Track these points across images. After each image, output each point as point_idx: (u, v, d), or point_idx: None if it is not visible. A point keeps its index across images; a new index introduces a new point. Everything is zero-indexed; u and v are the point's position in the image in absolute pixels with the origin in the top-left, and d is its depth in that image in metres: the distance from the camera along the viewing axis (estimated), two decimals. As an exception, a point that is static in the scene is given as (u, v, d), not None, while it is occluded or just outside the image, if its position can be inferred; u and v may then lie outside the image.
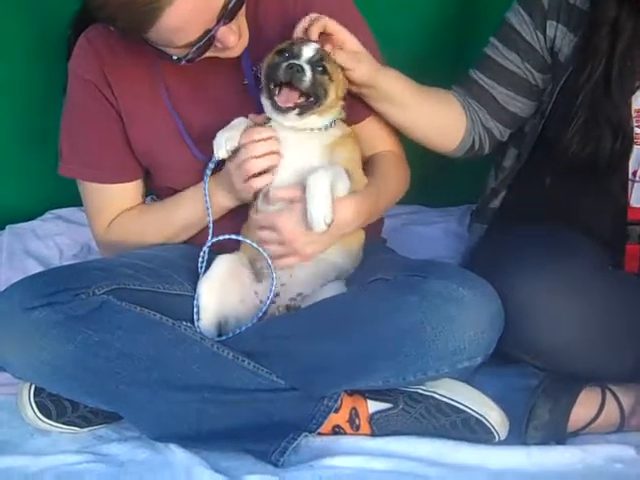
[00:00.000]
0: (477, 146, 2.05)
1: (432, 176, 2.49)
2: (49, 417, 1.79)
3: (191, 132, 1.91)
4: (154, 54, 1.79)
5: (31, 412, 1.78)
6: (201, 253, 1.87)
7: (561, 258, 1.79)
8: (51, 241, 2.47)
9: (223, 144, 1.79)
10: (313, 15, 1.80)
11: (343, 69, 1.81)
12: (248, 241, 1.86)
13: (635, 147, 1.89)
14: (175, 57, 1.76)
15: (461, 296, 1.68)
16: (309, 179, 1.75)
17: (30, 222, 2.53)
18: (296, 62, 1.73)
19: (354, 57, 1.81)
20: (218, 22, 1.71)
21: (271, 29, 1.89)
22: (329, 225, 1.75)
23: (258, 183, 1.81)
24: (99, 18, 1.75)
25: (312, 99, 1.77)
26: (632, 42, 1.84)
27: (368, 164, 1.95)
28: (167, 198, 1.99)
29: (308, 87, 1.74)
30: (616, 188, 1.91)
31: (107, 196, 1.99)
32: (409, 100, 1.94)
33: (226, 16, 1.71)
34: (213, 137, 1.83)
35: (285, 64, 1.73)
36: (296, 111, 1.77)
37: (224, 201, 1.89)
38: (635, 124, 1.88)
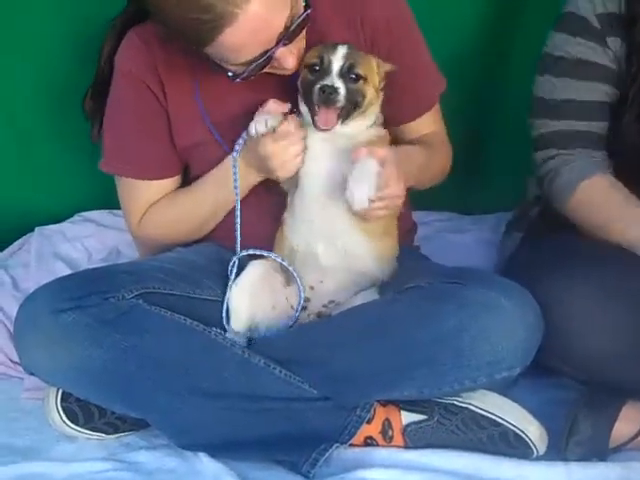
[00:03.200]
0: None
1: (466, 183, 2.46)
2: (76, 423, 1.76)
3: (222, 131, 1.89)
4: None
5: (58, 417, 1.75)
6: (231, 263, 1.85)
7: (601, 267, 1.74)
8: (80, 244, 2.45)
9: (263, 121, 1.74)
10: None
11: None
12: (273, 256, 1.84)
13: None
14: (230, 74, 1.76)
15: (500, 304, 1.64)
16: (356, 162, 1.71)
17: (59, 224, 2.51)
18: (327, 84, 1.70)
19: None
20: (277, 43, 1.70)
21: (332, 34, 1.86)
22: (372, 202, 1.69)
23: (297, 163, 1.79)
24: (161, 33, 1.76)
25: (351, 106, 1.75)
26: None
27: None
28: (192, 185, 1.96)
29: (344, 104, 1.72)
30: None
31: (143, 191, 1.96)
32: None
33: (286, 38, 1.71)
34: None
35: (317, 87, 1.71)
36: (338, 125, 1.75)
37: (250, 178, 1.86)
38: None
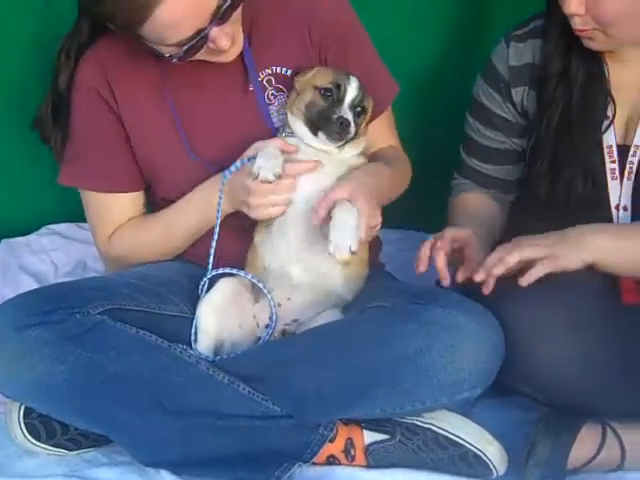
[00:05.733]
0: None
1: (428, 200, 2.47)
2: (38, 439, 1.75)
3: (191, 138, 1.90)
4: (158, 62, 1.81)
5: (20, 433, 1.74)
6: (202, 283, 1.85)
7: (562, 289, 1.75)
8: (46, 256, 2.44)
9: (271, 169, 1.76)
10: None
11: None
12: (249, 277, 1.85)
13: (612, 182, 1.90)
14: (167, 55, 1.76)
15: (461, 324, 1.66)
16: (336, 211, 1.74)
17: (26, 237, 2.50)
18: (344, 116, 1.77)
19: None
20: (211, 22, 1.71)
21: (277, 35, 1.90)
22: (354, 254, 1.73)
23: (276, 212, 1.81)
24: (97, 15, 1.76)
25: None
26: (588, 86, 1.87)
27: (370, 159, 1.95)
28: (167, 208, 1.96)
29: (352, 136, 1.80)
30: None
31: (108, 206, 1.97)
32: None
33: (219, 17, 1.72)
34: (212, 142, 1.86)
35: (336, 117, 1.77)
36: (342, 142, 1.82)
37: (225, 207, 1.87)
38: (609, 160, 1.90)
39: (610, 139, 1.89)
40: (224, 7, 1.72)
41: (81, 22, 1.89)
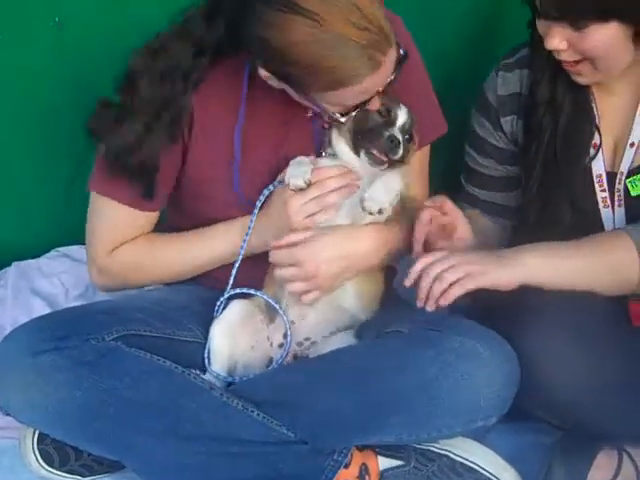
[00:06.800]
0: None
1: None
2: (51, 465, 1.75)
3: (243, 168, 1.87)
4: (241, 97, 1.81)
5: (34, 460, 1.74)
6: (218, 303, 1.85)
7: (576, 313, 1.76)
8: (56, 279, 2.43)
9: (301, 175, 1.77)
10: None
11: None
12: (265, 297, 1.85)
13: (604, 210, 1.91)
14: (336, 115, 1.76)
15: (478, 353, 1.65)
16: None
17: (36, 259, 2.49)
18: (396, 136, 1.78)
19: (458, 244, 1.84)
20: (382, 85, 1.74)
21: None
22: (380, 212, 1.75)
23: (320, 218, 1.80)
24: (284, 75, 1.70)
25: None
26: (574, 115, 1.89)
27: None
28: (190, 231, 1.93)
29: (400, 157, 1.80)
30: None
31: (125, 221, 1.89)
32: None
33: (389, 83, 1.74)
34: (260, 177, 1.85)
35: (387, 134, 1.78)
36: (385, 166, 1.81)
37: (257, 243, 1.86)
38: (599, 189, 1.90)
39: (599, 167, 1.90)
40: (396, 73, 1.74)
41: (204, 55, 1.79)
